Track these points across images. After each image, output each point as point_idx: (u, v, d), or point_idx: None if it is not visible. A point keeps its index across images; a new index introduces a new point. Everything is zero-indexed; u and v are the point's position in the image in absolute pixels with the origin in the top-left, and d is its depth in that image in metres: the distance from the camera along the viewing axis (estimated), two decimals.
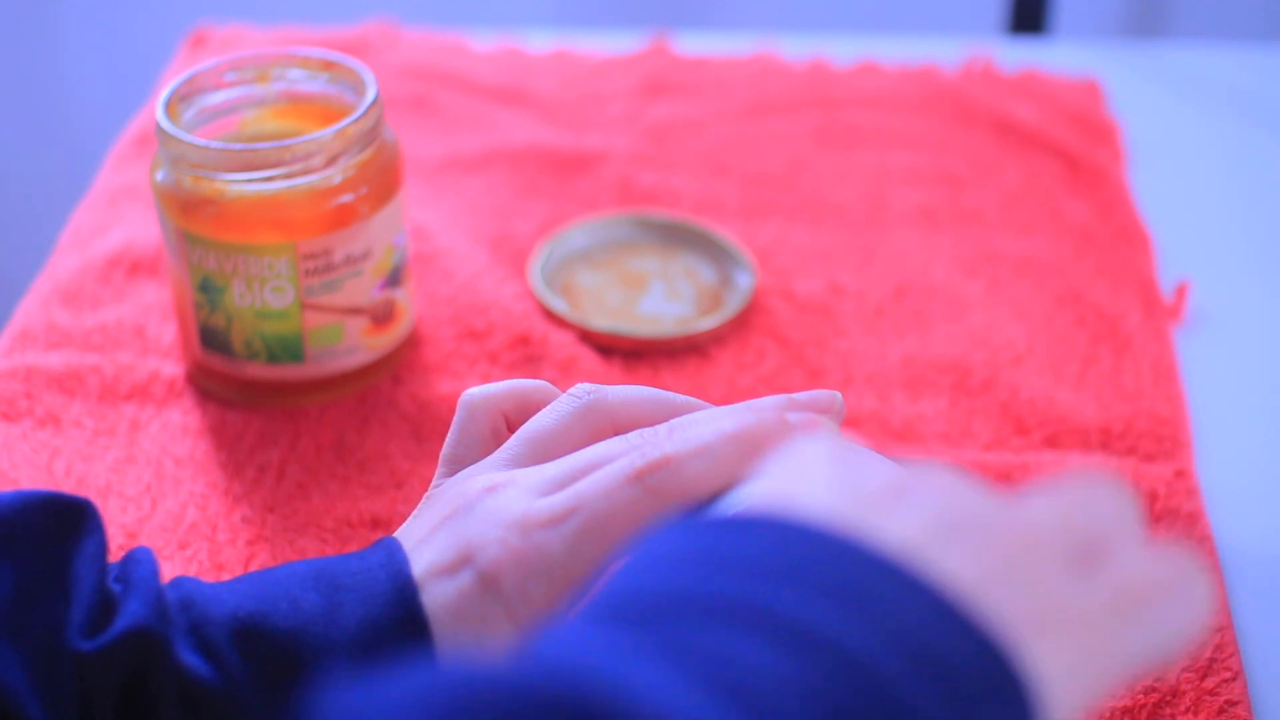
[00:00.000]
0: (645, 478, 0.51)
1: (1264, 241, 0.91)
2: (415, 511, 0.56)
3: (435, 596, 0.51)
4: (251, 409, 0.75)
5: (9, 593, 0.49)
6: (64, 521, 0.52)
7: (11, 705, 0.47)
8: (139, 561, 0.53)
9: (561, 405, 0.56)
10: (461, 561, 0.51)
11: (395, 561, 0.52)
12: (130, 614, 0.50)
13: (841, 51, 1.09)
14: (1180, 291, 0.84)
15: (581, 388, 0.56)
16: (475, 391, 0.58)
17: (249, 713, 0.50)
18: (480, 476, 0.54)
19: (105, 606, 0.51)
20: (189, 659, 0.50)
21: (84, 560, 0.51)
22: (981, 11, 1.51)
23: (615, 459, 0.52)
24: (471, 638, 0.50)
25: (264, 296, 0.71)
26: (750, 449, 0.51)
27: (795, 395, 0.54)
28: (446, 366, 0.78)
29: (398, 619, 0.51)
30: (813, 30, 1.34)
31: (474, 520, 0.52)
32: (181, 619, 0.51)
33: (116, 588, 0.52)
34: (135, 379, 0.76)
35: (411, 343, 0.79)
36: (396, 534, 0.55)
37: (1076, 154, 0.96)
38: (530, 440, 0.56)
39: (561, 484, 0.53)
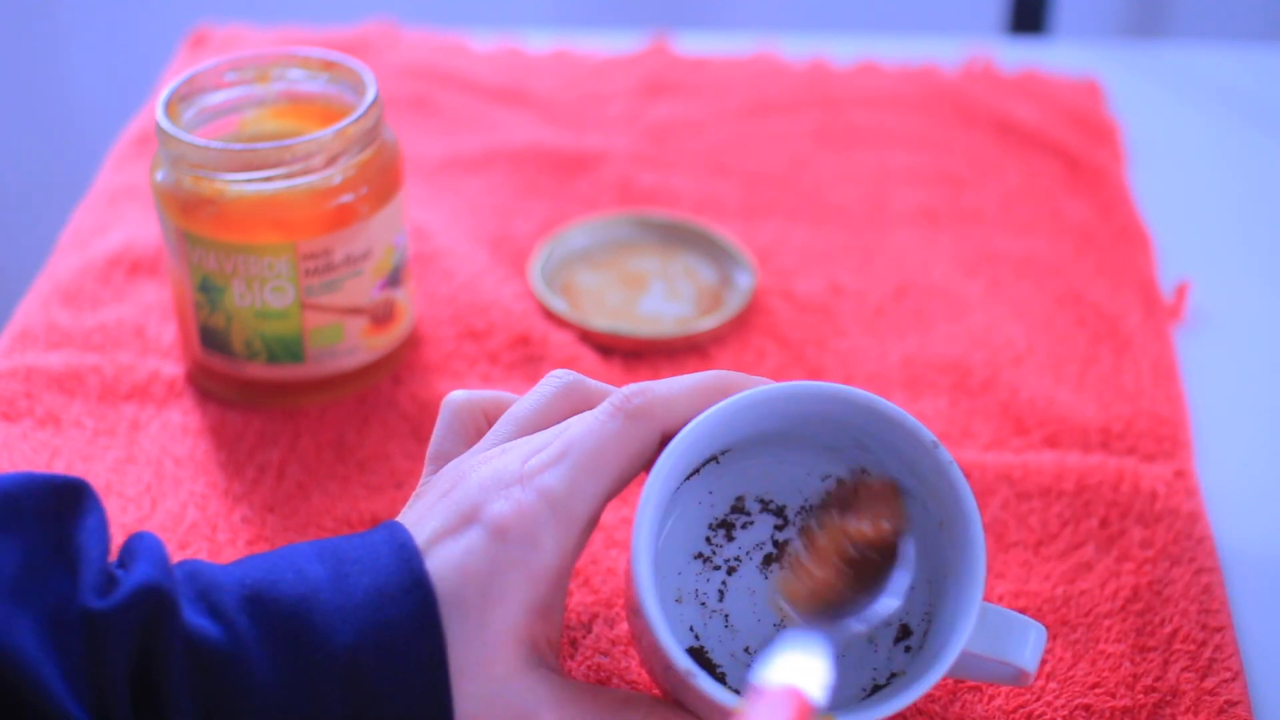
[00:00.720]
0: (625, 407, 0.55)
1: (1264, 241, 0.91)
2: (409, 503, 0.58)
3: (442, 558, 0.53)
4: (251, 409, 0.75)
5: (18, 562, 0.50)
6: (66, 499, 0.53)
7: (25, 670, 0.47)
8: (141, 537, 0.54)
9: (543, 387, 0.59)
10: (466, 522, 0.53)
11: (397, 535, 0.54)
12: (140, 573, 0.51)
13: (841, 51, 1.09)
14: (1180, 291, 0.84)
15: (560, 371, 0.59)
16: (458, 392, 0.61)
17: (257, 676, 0.50)
18: (473, 458, 0.57)
19: (113, 577, 0.52)
20: (197, 621, 0.51)
21: (88, 534, 0.52)
22: (981, 11, 1.51)
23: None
24: (479, 592, 0.52)
25: (264, 296, 0.71)
26: (717, 385, 0.56)
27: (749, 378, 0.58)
28: (446, 366, 0.78)
29: (404, 586, 0.52)
30: (813, 30, 1.34)
31: (473, 486, 0.54)
32: (189, 587, 0.52)
33: (121, 574, 0.52)
34: (135, 379, 0.76)
35: (411, 343, 0.79)
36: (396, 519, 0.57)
37: (1076, 154, 0.96)
38: (515, 420, 0.58)
39: (550, 444, 0.55)
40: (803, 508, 0.59)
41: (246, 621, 0.51)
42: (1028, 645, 0.55)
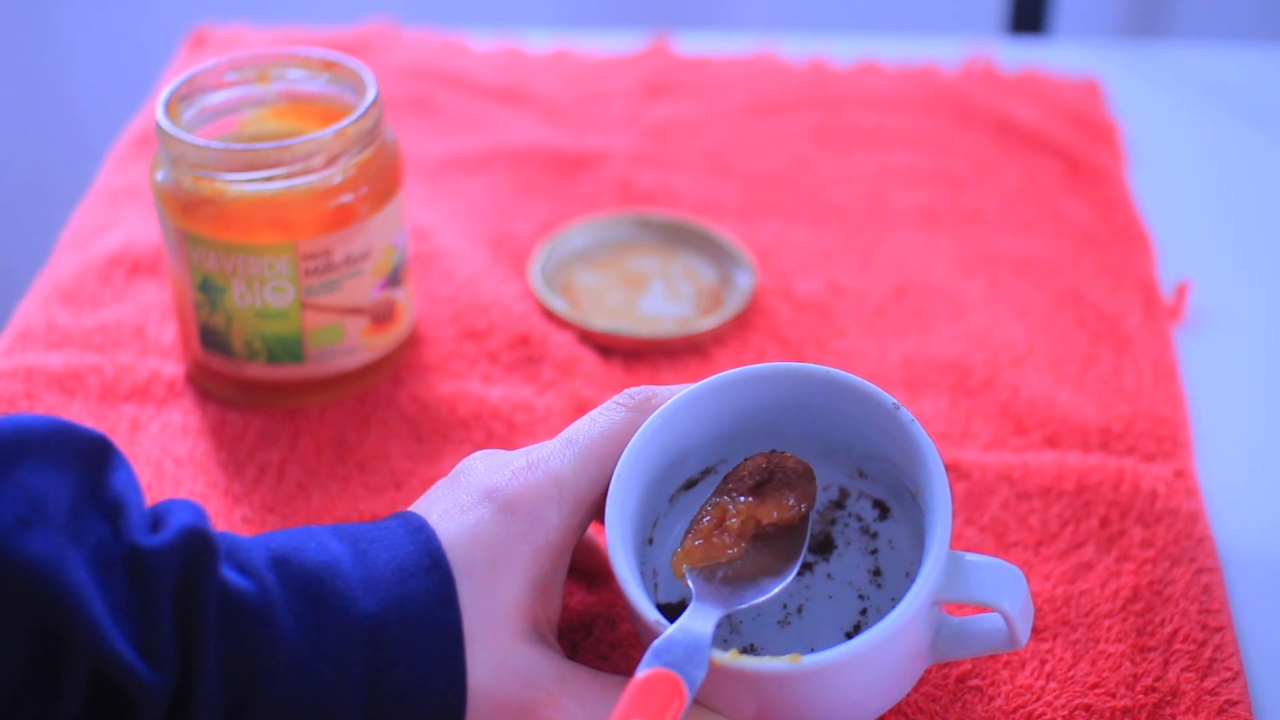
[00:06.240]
0: (628, 403, 0.58)
1: (1264, 241, 0.91)
2: (416, 502, 0.60)
3: (452, 530, 0.55)
4: (251, 409, 0.75)
5: (67, 500, 0.50)
6: (100, 448, 0.54)
7: (77, 605, 0.48)
8: (175, 500, 0.55)
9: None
10: (475, 500, 0.56)
11: (411, 520, 0.56)
12: (185, 518, 0.52)
13: (841, 51, 1.09)
14: (1180, 291, 0.84)
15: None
16: None
17: (284, 633, 0.52)
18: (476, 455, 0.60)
19: (155, 522, 0.53)
20: (230, 575, 0.52)
21: (122, 483, 0.53)
22: (981, 11, 1.51)
23: None
24: (488, 561, 0.54)
25: (264, 296, 0.71)
26: None
27: None
28: (446, 366, 0.78)
29: (423, 565, 0.54)
30: (813, 30, 1.34)
31: (480, 472, 0.57)
32: (220, 546, 0.53)
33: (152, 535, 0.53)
34: (135, 379, 0.76)
35: (411, 343, 0.79)
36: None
37: (1076, 154, 0.96)
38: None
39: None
40: (726, 478, 0.60)
41: (275, 579, 0.53)
42: (1002, 585, 0.55)
